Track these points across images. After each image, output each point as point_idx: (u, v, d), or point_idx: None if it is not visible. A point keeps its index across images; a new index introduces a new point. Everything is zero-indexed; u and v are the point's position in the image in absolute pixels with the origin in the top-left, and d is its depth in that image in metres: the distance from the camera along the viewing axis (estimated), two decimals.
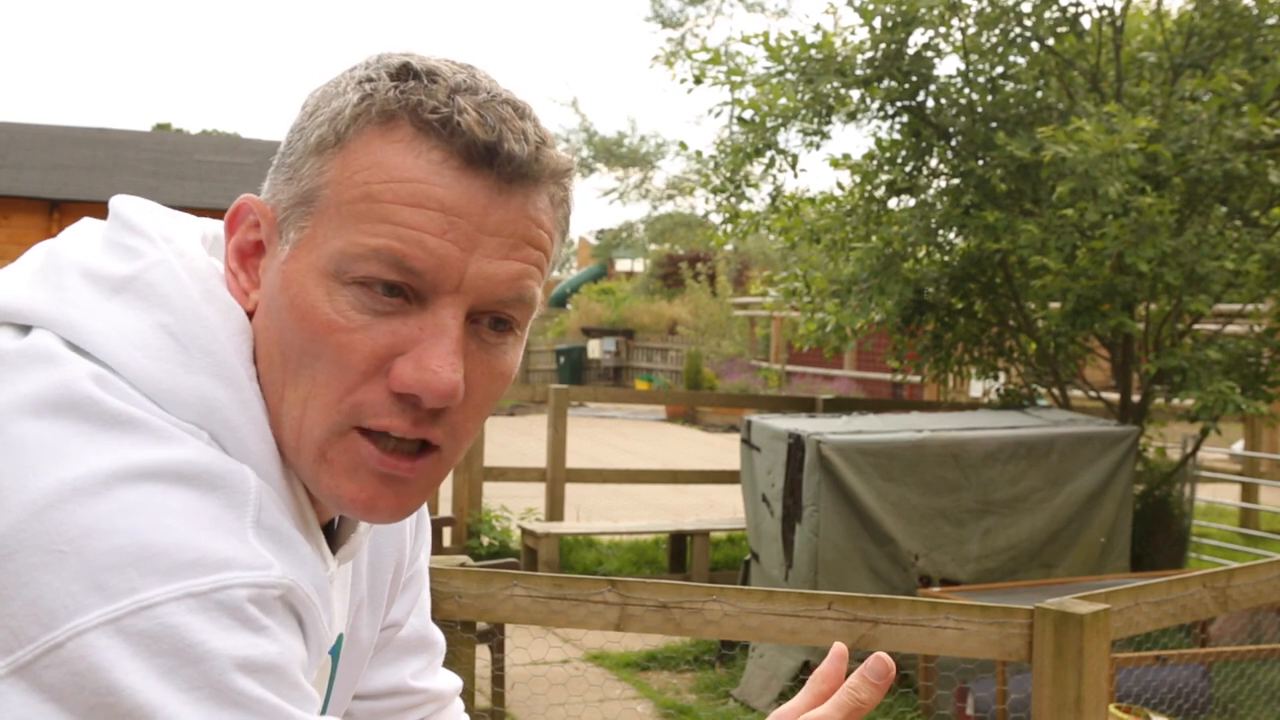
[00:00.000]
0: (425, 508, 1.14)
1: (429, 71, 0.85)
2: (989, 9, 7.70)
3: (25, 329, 0.83)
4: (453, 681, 1.19)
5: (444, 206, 0.82)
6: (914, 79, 7.73)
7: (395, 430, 0.84)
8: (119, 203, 0.91)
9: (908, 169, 8.04)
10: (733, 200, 8.56)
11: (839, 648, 0.92)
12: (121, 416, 0.78)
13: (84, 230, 0.91)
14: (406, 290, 0.83)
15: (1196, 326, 7.71)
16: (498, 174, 0.83)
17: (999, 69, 7.92)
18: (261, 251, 0.89)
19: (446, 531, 8.20)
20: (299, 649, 0.79)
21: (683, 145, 11.82)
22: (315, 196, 0.85)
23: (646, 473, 10.24)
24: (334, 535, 0.96)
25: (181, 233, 0.91)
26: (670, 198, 35.87)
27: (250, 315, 0.88)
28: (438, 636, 1.18)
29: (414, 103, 0.83)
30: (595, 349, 25.46)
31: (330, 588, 0.90)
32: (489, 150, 0.83)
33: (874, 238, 7.85)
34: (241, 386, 0.84)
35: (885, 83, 7.67)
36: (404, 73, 0.85)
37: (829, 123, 8.01)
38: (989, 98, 7.77)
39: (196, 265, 0.87)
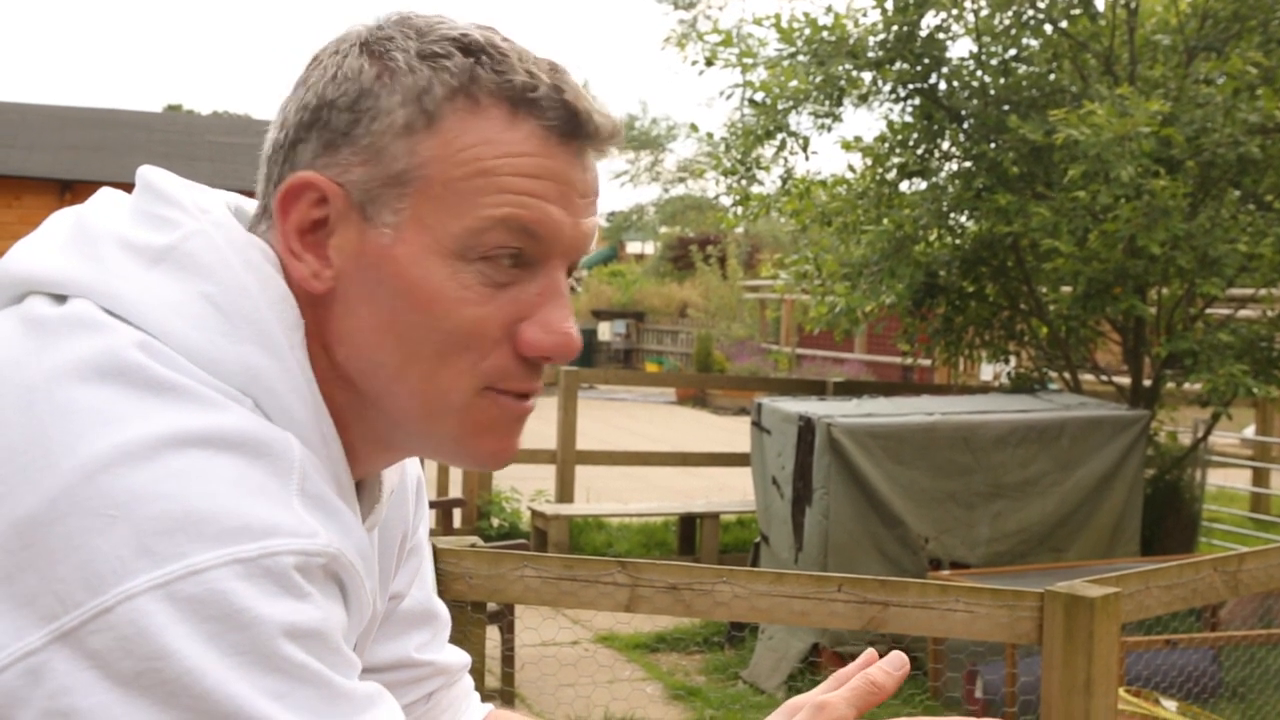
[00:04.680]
0: (424, 480, 1.15)
1: (491, 44, 0.89)
2: None
3: (60, 298, 0.84)
4: (460, 656, 1.20)
5: (555, 175, 0.88)
6: (926, 61, 7.69)
7: (532, 392, 0.91)
8: (148, 173, 0.91)
9: (919, 152, 8.01)
10: (744, 183, 8.53)
11: (870, 653, 0.97)
12: (168, 383, 0.79)
13: (110, 200, 0.92)
14: (523, 258, 0.88)
15: (1209, 310, 7.68)
16: (584, 143, 0.90)
17: (1012, 51, 7.88)
18: (321, 229, 0.89)
19: (457, 513, 8.20)
20: (341, 615, 0.80)
21: (694, 127, 11.69)
22: (412, 177, 0.87)
23: (656, 455, 10.26)
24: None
25: (214, 204, 0.91)
26: (681, 180, 35.87)
27: (312, 294, 0.89)
28: (441, 610, 1.19)
29: (502, 80, 0.88)
30: (605, 331, 25.47)
31: (371, 555, 0.91)
32: (582, 122, 0.89)
33: (885, 220, 7.82)
34: (283, 355, 0.85)
35: (897, 65, 7.63)
36: (473, 48, 0.88)
37: (840, 105, 7.98)
38: (1001, 80, 7.73)
39: (234, 236, 0.88)
